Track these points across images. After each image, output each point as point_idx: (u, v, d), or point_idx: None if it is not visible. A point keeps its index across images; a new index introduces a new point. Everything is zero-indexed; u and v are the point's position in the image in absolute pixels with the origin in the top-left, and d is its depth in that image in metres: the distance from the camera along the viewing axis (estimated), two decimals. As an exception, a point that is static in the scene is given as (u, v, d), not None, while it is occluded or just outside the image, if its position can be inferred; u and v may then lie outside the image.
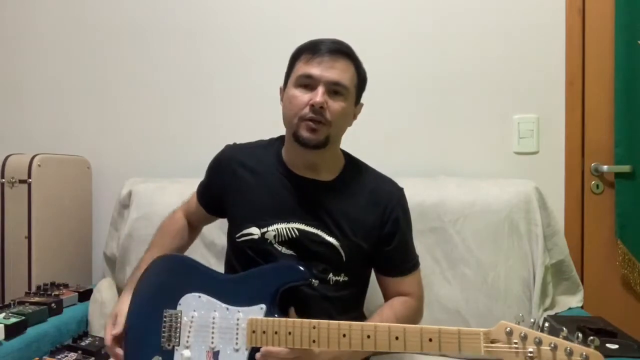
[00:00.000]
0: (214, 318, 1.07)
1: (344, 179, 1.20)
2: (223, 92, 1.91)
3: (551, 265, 1.54)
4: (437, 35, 1.79)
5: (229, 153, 1.27)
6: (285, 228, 1.14)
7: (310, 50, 1.13)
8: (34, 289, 1.62)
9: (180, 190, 1.59)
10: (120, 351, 1.11)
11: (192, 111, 1.93)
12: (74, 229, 1.86)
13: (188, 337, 1.07)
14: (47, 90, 2.03)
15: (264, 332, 1.00)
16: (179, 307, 1.10)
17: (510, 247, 1.50)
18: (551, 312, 1.48)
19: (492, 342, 0.84)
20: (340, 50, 1.13)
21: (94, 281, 1.88)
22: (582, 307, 1.55)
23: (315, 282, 1.10)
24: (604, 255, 1.70)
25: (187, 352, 1.06)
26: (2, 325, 1.28)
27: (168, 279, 1.15)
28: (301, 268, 1.07)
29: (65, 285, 1.65)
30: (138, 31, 1.97)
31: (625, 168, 1.66)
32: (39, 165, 1.70)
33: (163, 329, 1.09)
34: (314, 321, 0.97)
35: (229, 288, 1.09)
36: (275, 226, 1.15)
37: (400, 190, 1.24)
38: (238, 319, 1.04)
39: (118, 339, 1.13)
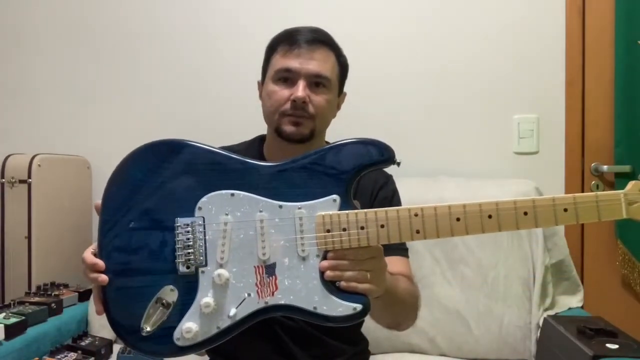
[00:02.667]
0: (261, 221, 0.81)
1: None
2: (223, 92, 1.91)
3: (551, 265, 1.53)
4: (437, 35, 1.79)
5: None
6: None
7: (287, 41, 1.07)
8: (34, 289, 1.62)
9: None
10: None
11: (192, 111, 1.93)
12: (74, 229, 1.86)
13: (222, 252, 0.80)
14: (47, 90, 2.03)
15: (343, 229, 0.79)
16: (197, 213, 0.82)
17: (510, 247, 1.50)
18: (551, 312, 1.48)
19: (630, 203, 0.79)
20: (319, 40, 1.07)
21: (94, 281, 1.88)
22: (582, 307, 1.55)
23: (399, 161, 0.87)
24: (604, 255, 1.70)
25: (223, 272, 0.79)
26: (2, 325, 1.28)
27: (169, 175, 0.84)
28: (385, 145, 0.85)
29: (65, 285, 1.65)
30: (138, 32, 1.97)
31: (625, 168, 1.66)
32: (39, 165, 1.70)
33: (177, 247, 0.80)
34: (413, 208, 0.80)
35: (276, 179, 0.84)
36: None
37: (389, 176, 1.20)
38: (301, 218, 0.80)
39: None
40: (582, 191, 1.71)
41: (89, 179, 1.95)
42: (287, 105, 1.05)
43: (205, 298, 0.79)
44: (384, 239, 0.80)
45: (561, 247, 1.56)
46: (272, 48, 1.11)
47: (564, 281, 1.57)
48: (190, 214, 0.82)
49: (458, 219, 0.79)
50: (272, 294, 0.80)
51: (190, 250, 0.80)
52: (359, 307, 0.79)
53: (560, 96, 1.73)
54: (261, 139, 1.21)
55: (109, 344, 1.48)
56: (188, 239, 0.81)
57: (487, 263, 1.49)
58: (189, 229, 0.81)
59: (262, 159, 1.16)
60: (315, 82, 1.06)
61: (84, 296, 1.63)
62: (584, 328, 1.22)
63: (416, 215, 0.79)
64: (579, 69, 1.72)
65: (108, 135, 1.99)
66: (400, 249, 1.13)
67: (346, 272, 0.79)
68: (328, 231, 0.80)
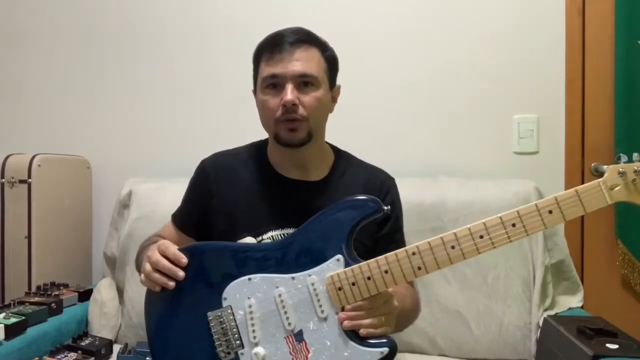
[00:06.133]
0: (279, 296, 0.90)
1: (336, 176, 1.16)
2: (222, 92, 1.91)
3: (551, 265, 1.53)
4: (437, 35, 1.79)
5: (212, 166, 1.19)
6: (280, 234, 1.09)
7: (269, 47, 1.08)
8: (34, 289, 1.62)
9: (180, 190, 1.58)
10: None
11: (192, 111, 1.93)
12: (74, 229, 1.86)
13: (254, 331, 0.90)
14: (47, 90, 2.03)
15: (352, 284, 0.87)
16: (225, 303, 0.93)
17: (510, 247, 1.47)
18: (551, 312, 1.48)
19: (612, 188, 0.83)
20: (300, 39, 1.07)
21: (94, 281, 1.88)
22: (582, 307, 1.55)
23: (387, 208, 0.93)
24: (604, 255, 1.70)
25: (260, 350, 0.89)
26: (2, 325, 1.28)
27: (192, 276, 0.95)
28: (371, 198, 0.92)
29: (65, 285, 1.65)
30: (138, 32, 1.97)
31: (626, 168, 1.66)
32: (39, 165, 1.70)
33: (215, 337, 0.92)
34: (409, 248, 0.86)
35: (283, 255, 0.93)
36: (270, 233, 1.08)
37: (392, 179, 1.22)
38: (313, 284, 0.89)
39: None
40: (582, 191, 1.71)
41: (89, 179, 1.95)
42: (280, 112, 1.05)
43: None
44: (390, 284, 0.87)
45: (561, 247, 1.56)
46: (257, 57, 1.12)
47: (564, 281, 1.57)
48: (218, 304, 0.92)
49: (453, 247, 0.84)
50: (307, 358, 0.88)
51: (226, 338, 0.91)
52: (385, 350, 0.86)
53: (560, 96, 1.73)
54: (262, 145, 1.22)
55: (109, 344, 1.48)
56: (222, 328, 0.91)
57: (487, 263, 1.49)
58: (221, 319, 0.92)
59: (269, 165, 1.17)
60: (303, 82, 1.06)
61: (84, 296, 1.63)
62: (584, 328, 1.22)
63: (414, 253, 0.85)
64: (579, 69, 1.72)
65: (108, 135, 1.99)
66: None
67: (363, 320, 0.87)
68: (340, 289, 0.88)
